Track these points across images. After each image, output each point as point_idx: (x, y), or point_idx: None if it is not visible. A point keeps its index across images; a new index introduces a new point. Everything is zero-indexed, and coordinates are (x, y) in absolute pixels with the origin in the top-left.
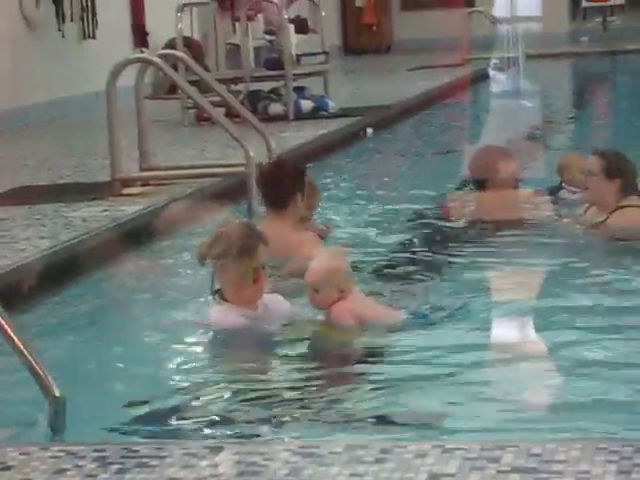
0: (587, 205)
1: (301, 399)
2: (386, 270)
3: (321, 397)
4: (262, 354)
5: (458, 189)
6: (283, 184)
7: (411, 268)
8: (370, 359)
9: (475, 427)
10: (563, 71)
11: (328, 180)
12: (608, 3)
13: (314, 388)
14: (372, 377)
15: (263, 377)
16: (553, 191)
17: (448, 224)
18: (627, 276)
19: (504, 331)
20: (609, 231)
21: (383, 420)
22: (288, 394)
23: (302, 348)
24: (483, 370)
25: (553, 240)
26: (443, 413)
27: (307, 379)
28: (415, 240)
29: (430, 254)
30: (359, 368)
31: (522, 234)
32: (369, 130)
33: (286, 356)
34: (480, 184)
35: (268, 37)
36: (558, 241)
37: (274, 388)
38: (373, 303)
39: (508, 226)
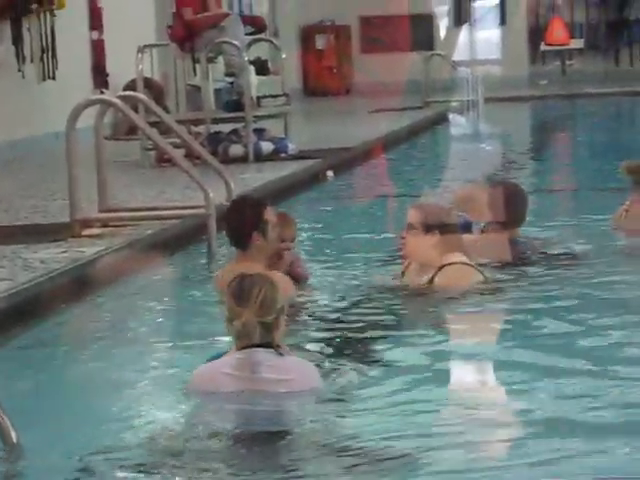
0: (406, 262)
1: (262, 444)
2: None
3: (284, 437)
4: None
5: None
6: (238, 225)
7: (366, 318)
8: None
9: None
10: (522, 114)
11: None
12: (566, 47)
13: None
14: (338, 419)
15: (229, 428)
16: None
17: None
18: None
19: (469, 377)
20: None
21: (348, 461)
22: (250, 438)
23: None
24: (447, 417)
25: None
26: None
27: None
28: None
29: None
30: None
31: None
32: (329, 173)
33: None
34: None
35: (228, 79)
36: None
37: (233, 434)
38: None
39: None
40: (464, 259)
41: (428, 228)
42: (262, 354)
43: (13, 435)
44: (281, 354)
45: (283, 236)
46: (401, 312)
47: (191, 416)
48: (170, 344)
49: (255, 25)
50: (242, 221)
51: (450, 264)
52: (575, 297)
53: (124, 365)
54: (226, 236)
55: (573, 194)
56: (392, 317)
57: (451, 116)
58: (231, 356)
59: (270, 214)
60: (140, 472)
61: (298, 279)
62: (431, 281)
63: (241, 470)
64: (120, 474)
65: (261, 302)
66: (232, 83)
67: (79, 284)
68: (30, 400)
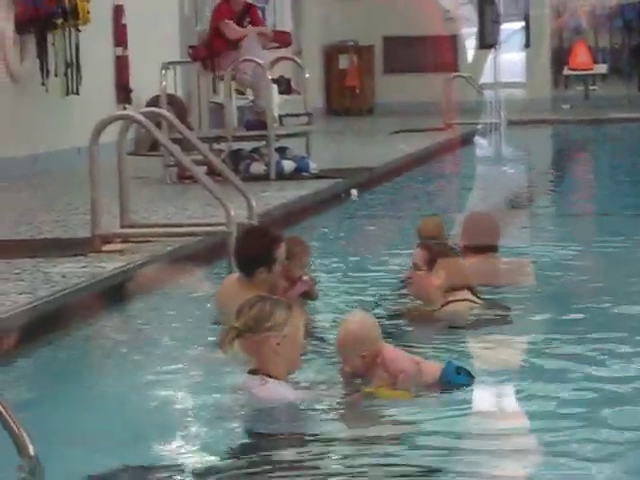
0: (411, 298)
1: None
2: None
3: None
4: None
5: None
6: (248, 257)
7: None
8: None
9: None
10: (545, 138)
11: (312, 242)
12: (590, 72)
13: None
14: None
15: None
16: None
17: None
18: None
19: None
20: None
21: None
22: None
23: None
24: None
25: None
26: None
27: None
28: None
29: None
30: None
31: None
32: (354, 192)
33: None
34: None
35: (251, 97)
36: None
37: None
38: (407, 358)
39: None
40: (470, 297)
41: (434, 267)
42: (247, 379)
43: (30, 448)
44: (263, 382)
45: (300, 263)
46: (411, 334)
47: (216, 434)
48: (189, 362)
49: (278, 40)
50: (252, 254)
51: (457, 300)
52: (595, 320)
53: (144, 380)
54: (234, 258)
55: (594, 219)
56: (403, 338)
57: (474, 138)
58: None
59: (281, 251)
60: None
61: (307, 297)
62: (439, 310)
63: None
64: None
65: (256, 313)
66: (253, 101)
67: (99, 299)
68: (49, 413)
